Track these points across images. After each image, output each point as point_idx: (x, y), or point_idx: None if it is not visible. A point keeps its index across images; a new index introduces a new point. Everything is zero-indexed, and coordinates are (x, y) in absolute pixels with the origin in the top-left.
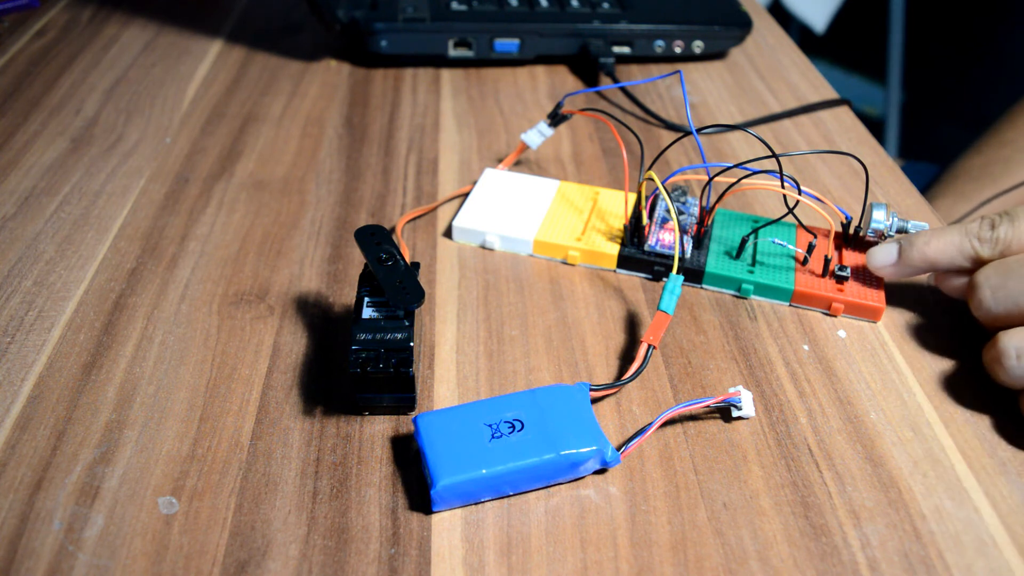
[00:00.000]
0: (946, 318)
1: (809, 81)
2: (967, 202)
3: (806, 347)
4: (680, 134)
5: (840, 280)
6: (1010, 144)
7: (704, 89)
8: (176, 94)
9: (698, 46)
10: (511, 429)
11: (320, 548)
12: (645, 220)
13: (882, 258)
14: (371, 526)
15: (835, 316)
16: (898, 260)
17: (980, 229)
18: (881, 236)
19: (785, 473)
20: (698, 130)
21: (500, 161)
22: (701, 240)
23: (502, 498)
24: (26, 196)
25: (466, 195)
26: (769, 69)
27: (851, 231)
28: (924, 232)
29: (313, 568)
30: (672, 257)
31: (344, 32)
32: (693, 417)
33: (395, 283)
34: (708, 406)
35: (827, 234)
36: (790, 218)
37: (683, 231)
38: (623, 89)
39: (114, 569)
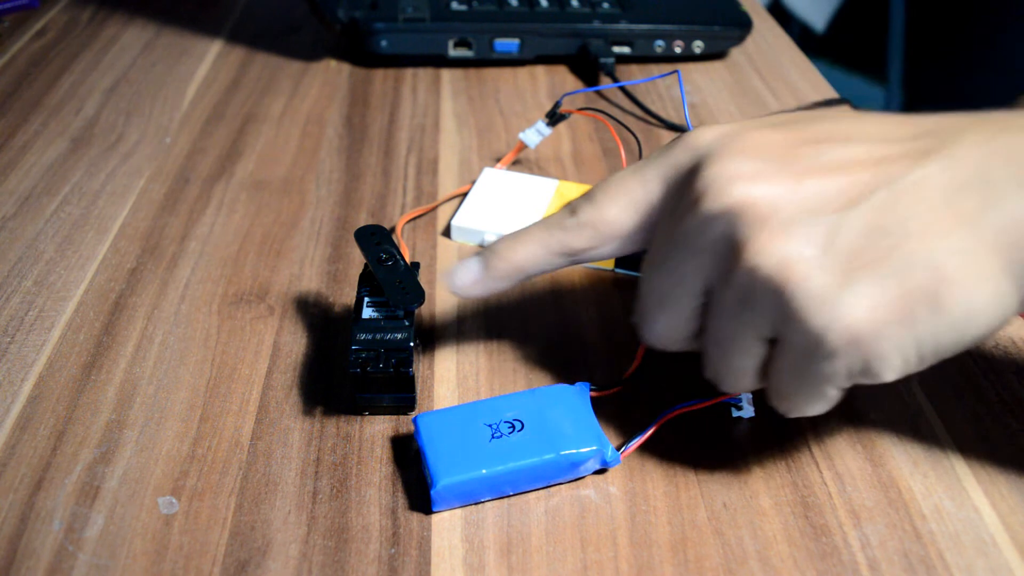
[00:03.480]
0: None
1: (809, 81)
2: None
3: None
4: (677, 134)
5: None
6: None
7: (704, 89)
8: (176, 94)
9: (698, 46)
10: (511, 429)
11: (320, 548)
12: None
13: (462, 277)
14: (371, 526)
15: None
16: (483, 274)
17: (562, 218)
18: None
19: (785, 473)
20: None
21: (498, 161)
22: None
23: (502, 498)
24: (26, 196)
25: (465, 195)
26: (769, 69)
27: None
28: (506, 237)
29: (313, 568)
30: None
31: (344, 32)
32: (693, 417)
33: (395, 283)
34: (708, 406)
35: None
36: None
37: None
38: (623, 89)
39: (114, 569)
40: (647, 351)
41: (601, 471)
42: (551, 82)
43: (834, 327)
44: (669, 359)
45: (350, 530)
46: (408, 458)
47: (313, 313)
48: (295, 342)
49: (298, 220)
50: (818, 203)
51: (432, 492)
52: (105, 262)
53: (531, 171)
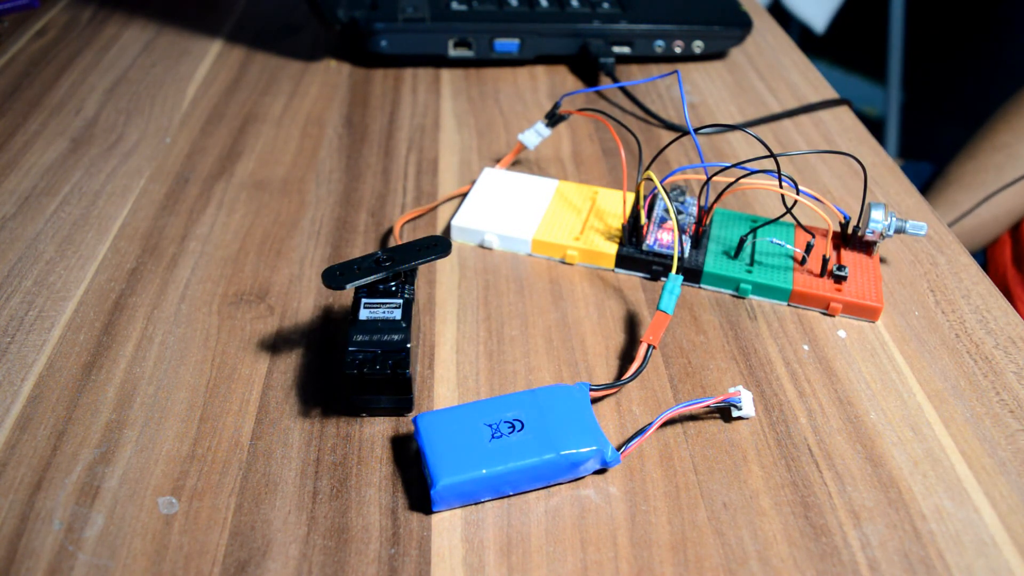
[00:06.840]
0: (946, 318)
1: (809, 81)
2: (959, 210)
3: (806, 347)
4: (678, 134)
5: (838, 280)
6: (1004, 149)
7: (704, 89)
8: (176, 94)
9: (698, 46)
10: (511, 429)
11: (320, 548)
12: (643, 220)
13: None
14: (371, 526)
15: (834, 316)
16: None
17: None
18: (880, 236)
19: (785, 473)
20: (696, 130)
21: (498, 161)
22: (699, 240)
23: (502, 498)
24: (26, 196)
25: (465, 195)
26: (769, 69)
27: (849, 231)
28: None
29: (313, 568)
30: (670, 257)
31: (344, 32)
32: (693, 417)
33: (352, 269)
34: (708, 406)
35: (825, 234)
36: (788, 218)
37: (681, 231)
38: (623, 89)
39: (114, 569)
40: (647, 351)
41: (601, 471)
42: (551, 82)
43: None
44: (669, 359)
45: (350, 530)
46: (408, 458)
47: (313, 313)
48: (295, 342)
49: (298, 220)
50: None
51: (432, 492)
52: (105, 262)
53: (531, 171)
